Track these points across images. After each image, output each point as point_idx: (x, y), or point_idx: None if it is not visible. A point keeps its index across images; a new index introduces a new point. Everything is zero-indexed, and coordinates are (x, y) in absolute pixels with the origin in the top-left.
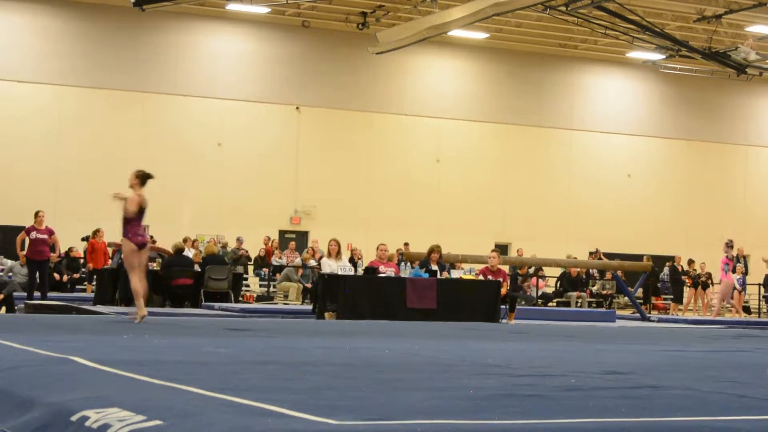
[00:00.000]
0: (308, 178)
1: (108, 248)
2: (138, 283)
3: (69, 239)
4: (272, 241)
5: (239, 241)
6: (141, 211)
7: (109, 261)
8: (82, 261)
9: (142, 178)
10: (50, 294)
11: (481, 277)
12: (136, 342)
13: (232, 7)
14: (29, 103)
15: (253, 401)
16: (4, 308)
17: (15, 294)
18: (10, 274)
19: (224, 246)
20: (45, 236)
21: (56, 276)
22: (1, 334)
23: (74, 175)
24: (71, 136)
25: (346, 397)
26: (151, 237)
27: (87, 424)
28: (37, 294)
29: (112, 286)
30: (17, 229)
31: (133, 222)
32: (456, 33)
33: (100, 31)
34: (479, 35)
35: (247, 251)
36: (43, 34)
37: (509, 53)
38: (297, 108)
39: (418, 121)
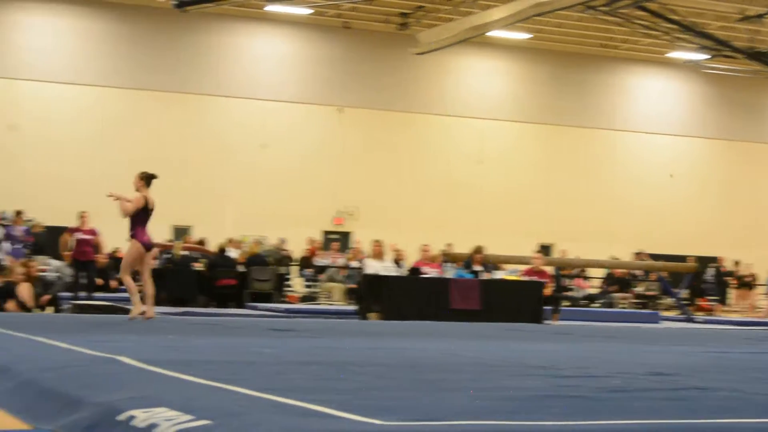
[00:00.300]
0: (351, 178)
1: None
2: (131, 282)
3: (114, 240)
4: (316, 242)
5: (282, 241)
6: (148, 211)
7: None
8: None
9: (147, 179)
10: (96, 294)
11: (524, 278)
12: (182, 342)
13: (273, 8)
14: (73, 105)
15: (299, 401)
16: (51, 308)
17: (61, 294)
18: (57, 274)
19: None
20: (89, 237)
21: (100, 281)
22: (48, 334)
23: (117, 176)
24: (114, 137)
25: (391, 398)
26: (201, 240)
27: (134, 423)
28: (83, 294)
29: (158, 285)
30: (63, 230)
31: (140, 223)
32: (497, 33)
33: (142, 32)
34: (520, 36)
35: (290, 252)
36: (86, 36)
37: (550, 54)
38: (339, 109)
39: (460, 122)
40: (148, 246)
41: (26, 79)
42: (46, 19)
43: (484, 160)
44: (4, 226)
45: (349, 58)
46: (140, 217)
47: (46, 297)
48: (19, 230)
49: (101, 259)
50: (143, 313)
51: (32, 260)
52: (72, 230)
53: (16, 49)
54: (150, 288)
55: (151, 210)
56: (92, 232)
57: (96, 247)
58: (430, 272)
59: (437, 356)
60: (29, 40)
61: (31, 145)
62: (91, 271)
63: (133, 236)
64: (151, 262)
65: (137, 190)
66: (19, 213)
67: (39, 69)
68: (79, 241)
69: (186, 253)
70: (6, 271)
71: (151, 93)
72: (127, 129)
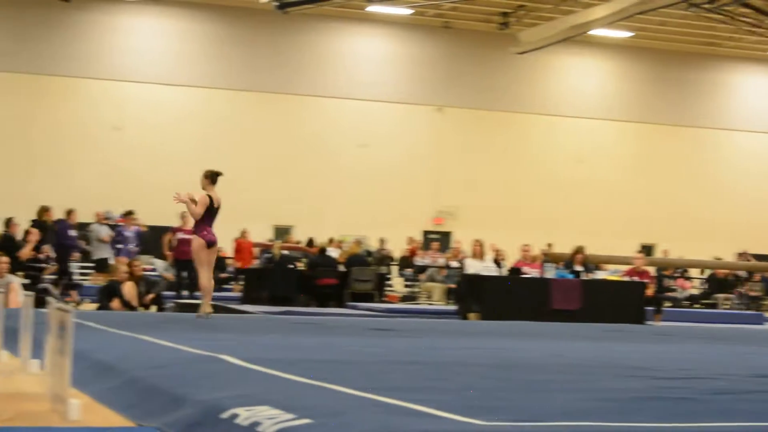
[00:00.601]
0: (451, 178)
1: (254, 248)
2: (207, 281)
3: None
4: (416, 242)
5: (382, 241)
6: (213, 210)
7: (255, 261)
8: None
9: (212, 176)
10: (198, 293)
11: (626, 279)
12: (283, 341)
13: (373, 9)
14: (175, 106)
15: (400, 401)
16: (154, 307)
17: (164, 293)
18: (160, 273)
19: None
20: (190, 236)
21: None
22: (152, 332)
23: (221, 176)
24: (216, 137)
25: (492, 398)
26: (311, 240)
27: (237, 421)
28: (185, 293)
29: (259, 285)
30: (166, 230)
31: (205, 221)
32: (598, 32)
33: (243, 34)
34: (622, 34)
35: (390, 251)
36: (188, 38)
37: (653, 52)
38: (439, 109)
39: (561, 121)
40: (211, 243)
41: (130, 80)
42: (149, 21)
43: (585, 160)
44: (112, 226)
45: (449, 57)
46: (204, 215)
47: (150, 296)
48: (130, 231)
49: None
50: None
51: (136, 259)
52: (174, 230)
53: (121, 52)
54: (209, 284)
55: (217, 208)
56: (193, 232)
57: None
58: (530, 272)
59: (538, 357)
60: (133, 43)
61: (135, 145)
62: (193, 271)
63: (196, 233)
64: (213, 260)
65: (203, 188)
66: (130, 213)
67: (142, 71)
68: (181, 241)
69: (287, 252)
70: (111, 270)
71: (252, 94)
72: (228, 130)
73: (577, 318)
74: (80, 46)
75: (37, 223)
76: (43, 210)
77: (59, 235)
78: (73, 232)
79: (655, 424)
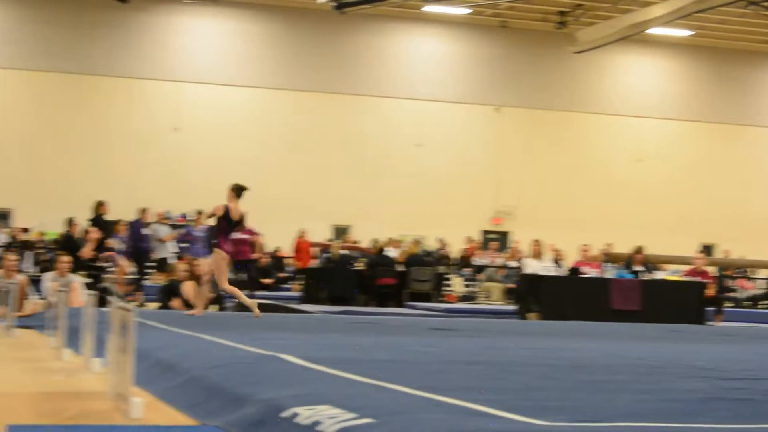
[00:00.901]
0: (509, 178)
1: (313, 248)
2: (233, 288)
3: (276, 239)
4: (474, 242)
5: (441, 241)
6: (231, 222)
7: (314, 260)
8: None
9: (237, 190)
10: (257, 293)
11: (686, 279)
12: (343, 340)
13: (431, 8)
14: (235, 107)
15: (461, 401)
16: (215, 307)
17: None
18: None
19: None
20: (246, 236)
21: (268, 281)
22: (213, 332)
23: (280, 176)
24: (275, 137)
25: (553, 398)
26: (375, 242)
27: (298, 420)
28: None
29: (318, 285)
30: None
31: (223, 232)
32: (657, 31)
33: (301, 34)
34: (681, 33)
35: (449, 251)
36: (246, 38)
37: (712, 51)
38: (497, 109)
39: (619, 121)
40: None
41: (188, 81)
42: (207, 22)
43: (644, 159)
44: (181, 226)
45: (507, 57)
46: (223, 227)
47: (210, 295)
48: (200, 230)
49: (260, 258)
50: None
51: (196, 259)
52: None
53: (179, 53)
54: (231, 287)
55: (236, 222)
56: (250, 232)
57: (253, 246)
58: (589, 272)
59: (599, 357)
60: (191, 44)
61: (193, 146)
62: (252, 270)
63: (216, 245)
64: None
65: (228, 201)
66: (200, 213)
67: (200, 72)
68: (236, 241)
69: (345, 252)
70: (171, 270)
71: (309, 94)
72: (286, 130)
73: (636, 318)
74: (138, 47)
75: (97, 221)
76: (99, 204)
77: (133, 236)
78: (147, 231)
79: (718, 426)
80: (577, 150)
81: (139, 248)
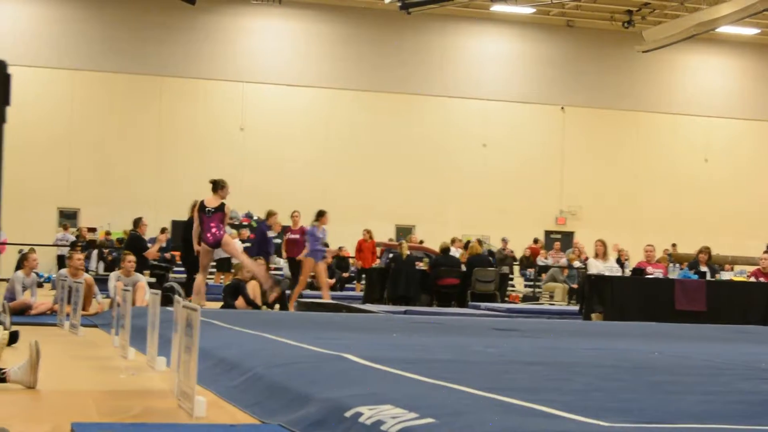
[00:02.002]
0: (573, 178)
1: (376, 248)
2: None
3: (340, 239)
4: (538, 242)
5: (504, 241)
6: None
7: (378, 260)
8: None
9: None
10: (319, 292)
11: (752, 279)
12: (405, 340)
13: (497, 8)
14: (301, 106)
15: (523, 401)
16: (278, 306)
17: (288, 292)
18: (283, 273)
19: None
20: (297, 236)
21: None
22: (276, 331)
23: (343, 176)
24: (340, 137)
25: (616, 400)
26: (422, 241)
27: (360, 420)
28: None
29: (381, 284)
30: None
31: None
32: (725, 29)
33: (366, 34)
34: (748, 31)
35: (512, 251)
36: (311, 38)
37: None
38: (562, 108)
39: (686, 120)
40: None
41: (254, 81)
42: (273, 22)
43: (710, 158)
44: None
45: (573, 56)
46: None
47: (274, 294)
48: (274, 231)
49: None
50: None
51: (259, 258)
52: (284, 231)
53: (245, 53)
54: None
55: (210, 211)
56: (301, 232)
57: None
58: (654, 273)
59: (664, 358)
60: (257, 44)
61: (258, 146)
62: (297, 270)
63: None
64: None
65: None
66: (272, 214)
67: (266, 72)
68: (289, 241)
69: (409, 252)
70: (236, 270)
71: (374, 94)
72: (350, 130)
73: (701, 319)
74: (205, 48)
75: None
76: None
77: (260, 238)
78: (271, 234)
79: None
80: (642, 150)
81: (263, 251)
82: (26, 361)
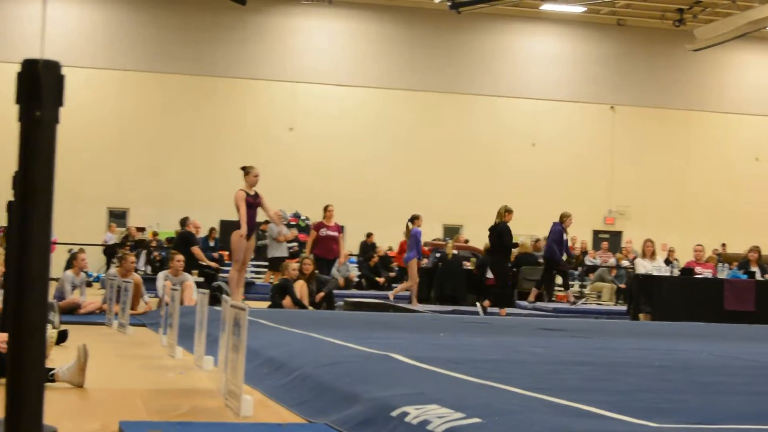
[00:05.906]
0: (623, 177)
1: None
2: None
3: (388, 239)
4: (584, 243)
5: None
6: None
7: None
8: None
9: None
10: (367, 291)
11: None
12: (452, 340)
13: (546, 7)
14: (351, 106)
15: (571, 401)
16: (325, 305)
17: (336, 291)
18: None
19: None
20: (334, 233)
21: (381, 279)
22: (324, 330)
23: (392, 175)
24: (390, 137)
25: (664, 400)
26: (467, 240)
27: (407, 419)
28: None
29: (427, 284)
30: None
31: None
32: None
33: (416, 34)
34: None
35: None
36: (362, 38)
37: None
38: (612, 107)
39: (737, 119)
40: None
41: (305, 81)
42: (323, 22)
43: (761, 158)
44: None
45: (623, 55)
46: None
47: (321, 294)
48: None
49: (341, 258)
50: None
51: (308, 258)
52: (317, 226)
53: (295, 53)
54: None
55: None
56: (337, 228)
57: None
58: (703, 273)
59: (712, 358)
60: (308, 44)
61: (307, 146)
62: (325, 267)
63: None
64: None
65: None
66: (417, 218)
67: (317, 72)
68: (324, 238)
69: (456, 251)
70: (283, 269)
71: (424, 94)
72: (400, 129)
73: (751, 320)
74: (255, 48)
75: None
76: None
77: (553, 239)
78: (566, 237)
79: None
80: (692, 149)
81: (554, 254)
82: (74, 361)
